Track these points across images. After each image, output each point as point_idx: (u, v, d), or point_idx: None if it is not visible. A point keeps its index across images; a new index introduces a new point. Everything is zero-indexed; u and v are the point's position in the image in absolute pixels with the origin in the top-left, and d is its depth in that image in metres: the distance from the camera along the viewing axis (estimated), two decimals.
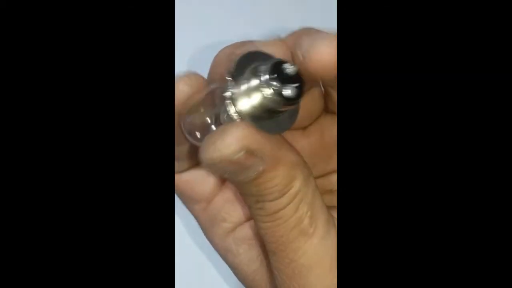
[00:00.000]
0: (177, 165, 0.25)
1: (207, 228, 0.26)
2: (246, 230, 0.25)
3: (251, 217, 0.25)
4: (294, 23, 0.44)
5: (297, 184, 0.21)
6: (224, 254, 0.26)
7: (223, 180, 0.26)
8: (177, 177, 0.25)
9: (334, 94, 0.24)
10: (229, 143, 0.19)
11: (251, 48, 0.21)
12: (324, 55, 0.20)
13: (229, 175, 0.21)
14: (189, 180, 0.25)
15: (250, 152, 0.19)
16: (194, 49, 0.43)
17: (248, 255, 0.25)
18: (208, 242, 0.27)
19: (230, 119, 0.20)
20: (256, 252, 0.25)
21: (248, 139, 0.20)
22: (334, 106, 0.24)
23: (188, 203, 0.26)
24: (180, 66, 0.37)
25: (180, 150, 0.24)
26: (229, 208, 0.25)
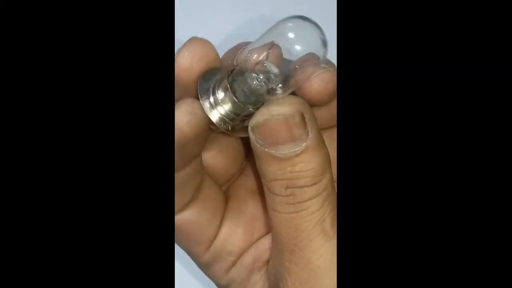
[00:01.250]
0: (178, 199, 0.24)
1: (210, 265, 0.26)
2: (248, 257, 0.25)
3: (252, 241, 0.25)
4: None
5: (326, 179, 0.22)
6: (228, 286, 0.26)
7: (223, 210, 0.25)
8: (180, 218, 0.24)
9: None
10: (291, 102, 0.21)
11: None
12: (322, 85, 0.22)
13: (272, 146, 0.21)
14: (194, 220, 0.24)
15: (302, 118, 0.20)
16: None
17: (253, 280, 0.25)
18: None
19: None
20: (258, 276, 0.25)
21: (305, 107, 0.21)
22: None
23: (190, 246, 0.25)
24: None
25: (182, 175, 0.23)
26: (234, 240, 0.25)
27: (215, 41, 0.44)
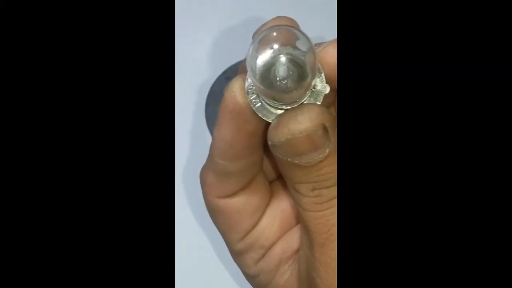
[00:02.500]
0: (231, 185, 0.24)
1: (241, 254, 0.26)
2: (277, 249, 0.25)
3: (283, 235, 0.25)
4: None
5: None
6: (256, 276, 0.26)
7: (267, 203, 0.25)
8: (227, 202, 0.24)
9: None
10: (311, 116, 0.20)
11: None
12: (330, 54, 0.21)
13: (296, 157, 0.21)
14: (240, 208, 0.25)
15: (324, 129, 0.20)
16: (194, 48, 0.43)
17: (281, 270, 0.25)
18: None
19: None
20: (286, 266, 0.25)
21: (325, 116, 0.20)
22: None
23: (228, 231, 0.26)
24: (181, 66, 0.38)
25: (243, 163, 0.23)
26: (269, 233, 0.25)
27: (214, 41, 0.44)
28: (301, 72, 0.20)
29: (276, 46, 0.20)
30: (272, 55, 0.20)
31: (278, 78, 0.20)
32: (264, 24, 0.22)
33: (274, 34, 0.20)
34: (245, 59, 0.21)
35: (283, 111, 0.21)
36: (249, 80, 0.21)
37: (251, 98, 0.21)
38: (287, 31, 0.20)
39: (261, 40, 0.20)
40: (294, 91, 0.20)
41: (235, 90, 0.21)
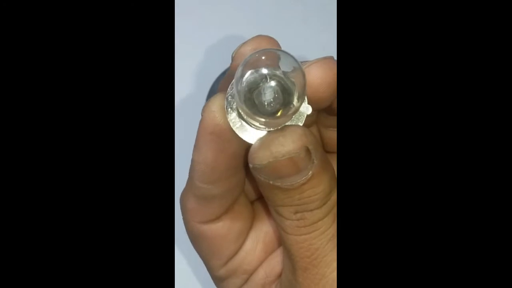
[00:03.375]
0: (214, 209, 0.23)
1: (223, 280, 0.25)
2: (260, 273, 0.25)
3: (265, 258, 0.25)
4: (294, 23, 0.44)
5: (335, 195, 0.21)
6: None
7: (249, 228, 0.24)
8: (210, 228, 0.23)
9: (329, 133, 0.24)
10: (293, 138, 0.19)
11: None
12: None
13: (278, 180, 0.20)
14: (223, 233, 0.23)
15: (307, 152, 0.19)
16: (194, 48, 0.43)
17: None
18: None
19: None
20: None
21: (308, 138, 0.20)
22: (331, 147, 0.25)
23: (209, 258, 0.25)
24: (180, 66, 0.38)
25: (225, 185, 0.22)
26: (252, 258, 0.24)
27: (214, 41, 0.44)
28: (288, 97, 0.19)
29: (264, 70, 0.19)
30: (259, 78, 0.19)
31: (265, 102, 0.19)
32: (243, 43, 0.22)
33: (262, 57, 0.19)
34: (223, 76, 0.20)
35: (264, 131, 0.20)
36: (229, 99, 0.20)
37: (231, 117, 0.20)
38: (274, 53, 0.19)
39: (247, 63, 0.19)
40: (282, 116, 0.19)
41: (215, 110, 0.20)
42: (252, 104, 0.19)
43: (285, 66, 0.19)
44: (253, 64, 0.19)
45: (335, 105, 0.22)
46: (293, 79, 0.19)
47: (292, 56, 0.19)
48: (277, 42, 0.21)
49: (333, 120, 0.24)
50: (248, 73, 0.19)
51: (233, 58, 0.22)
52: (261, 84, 0.19)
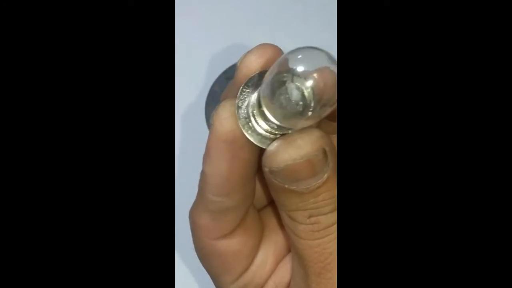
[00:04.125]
0: (226, 224, 0.22)
1: None
2: (270, 284, 0.24)
3: (274, 271, 0.24)
4: (294, 24, 0.44)
5: None
6: None
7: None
8: (223, 245, 0.23)
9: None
10: (311, 140, 0.19)
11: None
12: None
13: (294, 183, 0.20)
14: (237, 249, 0.23)
15: (324, 154, 0.19)
16: (194, 48, 0.43)
17: None
18: None
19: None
20: None
21: (325, 140, 0.20)
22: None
23: (220, 274, 0.24)
24: (181, 66, 0.38)
25: (237, 197, 0.21)
26: (263, 272, 0.24)
27: (214, 41, 0.44)
28: (315, 98, 0.19)
29: (299, 69, 0.18)
30: (288, 78, 0.19)
31: (293, 101, 0.19)
32: (248, 52, 0.21)
33: (299, 56, 0.19)
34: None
35: (276, 136, 0.20)
36: (239, 104, 0.20)
37: (242, 123, 0.20)
38: (312, 53, 0.19)
39: (283, 61, 0.19)
40: (308, 117, 0.19)
41: (226, 117, 0.20)
42: (279, 103, 0.19)
43: (317, 65, 0.19)
44: (286, 63, 0.19)
45: (335, 112, 0.22)
46: (325, 82, 0.19)
47: (333, 59, 0.19)
48: (281, 50, 0.21)
49: (333, 126, 0.23)
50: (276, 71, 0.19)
51: (237, 68, 0.21)
52: (288, 84, 0.19)
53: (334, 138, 0.24)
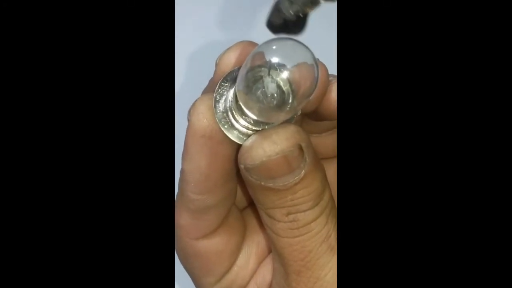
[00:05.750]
0: (207, 222, 0.22)
1: None
2: (252, 285, 0.24)
3: (256, 271, 0.24)
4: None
5: (326, 195, 0.20)
6: None
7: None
8: (205, 245, 0.22)
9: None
10: (287, 136, 0.19)
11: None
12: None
13: (270, 180, 0.19)
14: (219, 249, 0.22)
15: (300, 150, 0.19)
16: (194, 49, 0.43)
17: None
18: None
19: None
20: None
21: (301, 135, 0.19)
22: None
23: (202, 276, 0.23)
24: (180, 66, 0.38)
25: (218, 195, 0.21)
26: (245, 273, 0.23)
27: (214, 41, 0.44)
28: (291, 92, 0.18)
29: (273, 60, 0.18)
30: (264, 71, 0.18)
31: (268, 95, 0.18)
32: (226, 50, 0.21)
33: (273, 47, 0.18)
34: (212, 78, 0.20)
35: (253, 132, 0.20)
36: (217, 98, 0.20)
37: (219, 118, 0.20)
38: (289, 45, 0.18)
39: (257, 53, 0.18)
40: (283, 110, 0.19)
41: (203, 112, 0.20)
42: (255, 96, 0.19)
43: (297, 59, 0.18)
44: (261, 55, 0.18)
45: (320, 110, 0.21)
46: (301, 74, 0.18)
47: (310, 51, 0.18)
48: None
49: (316, 126, 0.23)
50: (249, 64, 0.19)
51: (217, 65, 0.21)
52: (264, 77, 0.19)
53: (316, 137, 0.24)
